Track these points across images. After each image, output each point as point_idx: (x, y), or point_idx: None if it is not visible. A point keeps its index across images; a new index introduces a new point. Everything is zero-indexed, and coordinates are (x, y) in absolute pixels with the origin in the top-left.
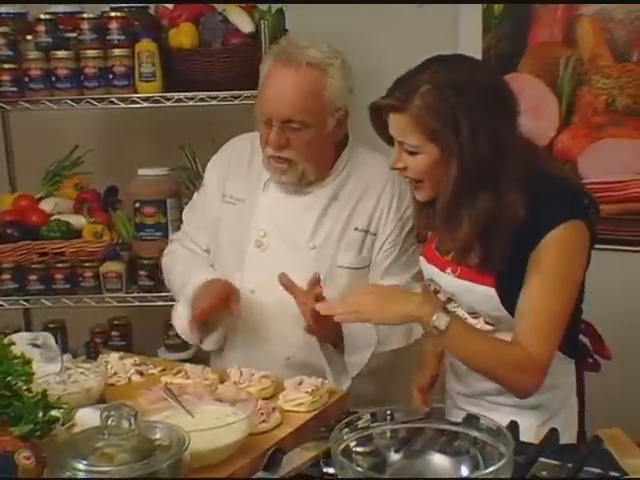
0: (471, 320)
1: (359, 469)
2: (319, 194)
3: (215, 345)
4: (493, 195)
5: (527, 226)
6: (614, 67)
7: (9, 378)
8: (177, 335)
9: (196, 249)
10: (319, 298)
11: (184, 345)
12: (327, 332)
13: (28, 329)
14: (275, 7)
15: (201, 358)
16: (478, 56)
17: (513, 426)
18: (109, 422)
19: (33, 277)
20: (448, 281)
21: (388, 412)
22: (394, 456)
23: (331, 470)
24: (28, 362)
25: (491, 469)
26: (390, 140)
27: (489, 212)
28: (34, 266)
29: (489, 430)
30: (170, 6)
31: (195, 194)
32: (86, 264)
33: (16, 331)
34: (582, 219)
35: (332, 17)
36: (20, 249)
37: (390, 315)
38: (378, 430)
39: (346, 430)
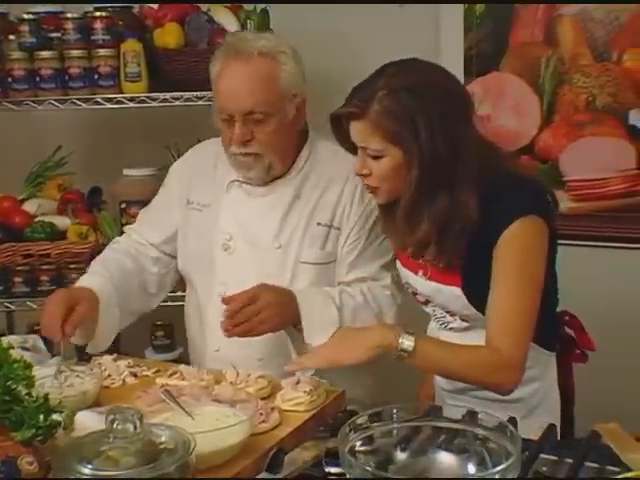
0: (449, 318)
1: (368, 468)
2: (282, 193)
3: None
4: (449, 194)
5: (486, 224)
6: (594, 66)
7: (10, 382)
8: (164, 336)
9: (142, 241)
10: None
11: (171, 346)
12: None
13: (11, 332)
14: (259, 7)
15: (188, 359)
16: (460, 56)
17: (512, 422)
18: (114, 425)
19: (18, 279)
20: (420, 284)
21: (394, 411)
22: (400, 455)
23: (333, 469)
24: (29, 366)
25: (500, 467)
26: (352, 148)
27: (447, 211)
28: (19, 268)
29: (493, 427)
30: (155, 6)
31: (156, 196)
32: (72, 265)
33: (0, 334)
34: (539, 214)
35: (316, 17)
36: (4, 251)
37: (361, 353)
38: (381, 429)
39: (351, 430)
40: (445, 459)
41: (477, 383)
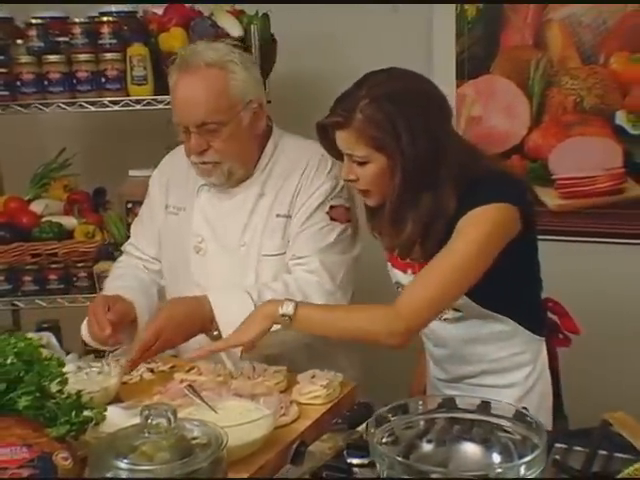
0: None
1: (399, 459)
2: (248, 192)
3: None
4: (432, 196)
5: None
6: (582, 69)
7: (43, 380)
8: None
9: (143, 256)
10: None
11: None
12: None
13: (18, 329)
14: (261, 12)
15: None
16: (452, 59)
17: None
18: (149, 421)
19: (27, 278)
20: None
21: (418, 403)
22: (424, 445)
23: (355, 460)
24: (62, 364)
25: (527, 458)
26: (339, 155)
27: (430, 212)
28: (28, 267)
29: (511, 416)
30: (159, 11)
31: (142, 207)
32: (79, 264)
33: (8, 331)
34: (514, 204)
35: (314, 21)
36: (13, 250)
37: (254, 327)
38: (401, 422)
39: (377, 423)
40: (467, 449)
41: (363, 338)
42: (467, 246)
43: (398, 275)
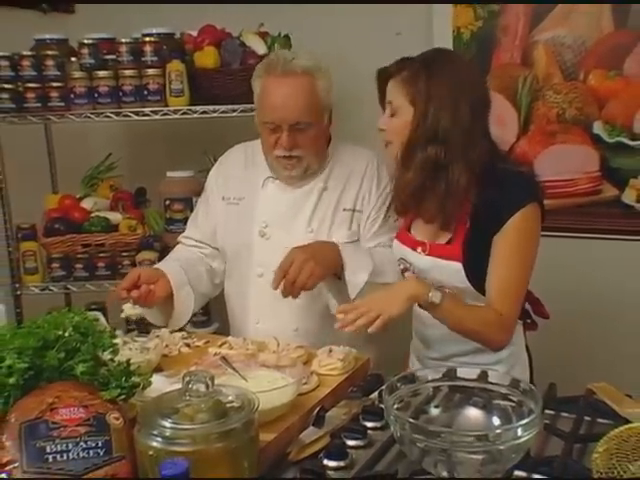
0: None
1: (412, 420)
2: (312, 186)
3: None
4: (439, 163)
5: (492, 210)
6: (564, 85)
7: (97, 350)
8: (202, 312)
9: (194, 242)
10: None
11: (208, 321)
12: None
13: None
14: (283, 33)
15: (223, 333)
16: None
17: None
18: (190, 386)
19: (79, 265)
20: (418, 259)
21: (425, 373)
22: (432, 410)
23: (370, 424)
24: (114, 335)
25: (524, 421)
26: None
27: (431, 175)
28: (79, 256)
29: (509, 385)
30: (194, 33)
31: (198, 201)
32: (124, 254)
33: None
34: (537, 202)
35: (328, 42)
36: (67, 241)
37: (401, 303)
38: (410, 389)
39: (391, 391)
40: (469, 413)
41: (477, 337)
42: (526, 254)
43: (407, 252)
